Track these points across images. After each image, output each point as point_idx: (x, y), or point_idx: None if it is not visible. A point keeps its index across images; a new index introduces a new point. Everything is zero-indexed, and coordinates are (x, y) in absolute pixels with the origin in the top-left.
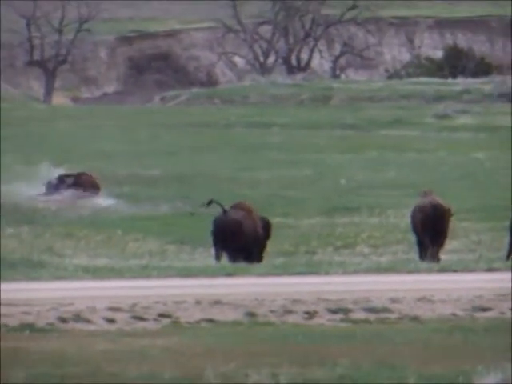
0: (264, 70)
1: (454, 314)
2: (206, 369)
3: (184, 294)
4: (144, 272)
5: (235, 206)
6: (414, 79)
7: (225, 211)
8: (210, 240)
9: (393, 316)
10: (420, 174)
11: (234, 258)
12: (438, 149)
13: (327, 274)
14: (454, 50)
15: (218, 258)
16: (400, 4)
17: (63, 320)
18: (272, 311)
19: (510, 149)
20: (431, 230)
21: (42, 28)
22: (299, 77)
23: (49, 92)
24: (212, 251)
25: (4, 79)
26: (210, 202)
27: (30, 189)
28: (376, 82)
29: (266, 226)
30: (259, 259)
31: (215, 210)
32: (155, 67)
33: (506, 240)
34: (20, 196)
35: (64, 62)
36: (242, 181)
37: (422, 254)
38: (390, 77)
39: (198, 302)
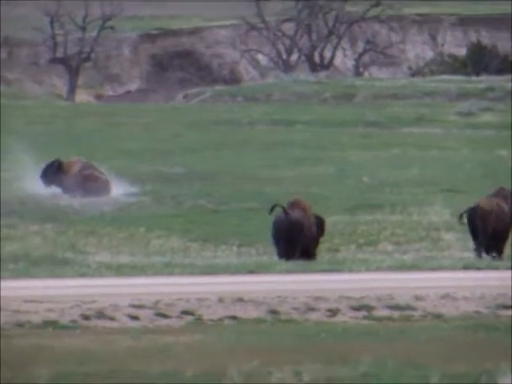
0: (287, 67)
1: (477, 312)
2: (228, 366)
3: (207, 292)
4: (167, 269)
5: (292, 204)
6: (437, 77)
7: (286, 213)
8: (270, 240)
9: (416, 313)
10: (443, 171)
11: (292, 256)
12: (461, 146)
13: (350, 271)
14: (478, 47)
15: (281, 257)
16: (423, 1)
17: (86, 317)
18: (295, 308)
19: None
20: (472, 229)
21: (66, 25)
22: (322, 74)
23: (72, 89)
24: (274, 250)
25: (28, 77)
26: (273, 208)
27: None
28: (399, 80)
29: (320, 224)
30: (314, 256)
31: (242, 207)
32: (178, 65)
33: None
34: (43, 193)
35: (87, 59)
36: (264, 178)
37: (476, 251)
38: (413, 74)
39: (220, 300)
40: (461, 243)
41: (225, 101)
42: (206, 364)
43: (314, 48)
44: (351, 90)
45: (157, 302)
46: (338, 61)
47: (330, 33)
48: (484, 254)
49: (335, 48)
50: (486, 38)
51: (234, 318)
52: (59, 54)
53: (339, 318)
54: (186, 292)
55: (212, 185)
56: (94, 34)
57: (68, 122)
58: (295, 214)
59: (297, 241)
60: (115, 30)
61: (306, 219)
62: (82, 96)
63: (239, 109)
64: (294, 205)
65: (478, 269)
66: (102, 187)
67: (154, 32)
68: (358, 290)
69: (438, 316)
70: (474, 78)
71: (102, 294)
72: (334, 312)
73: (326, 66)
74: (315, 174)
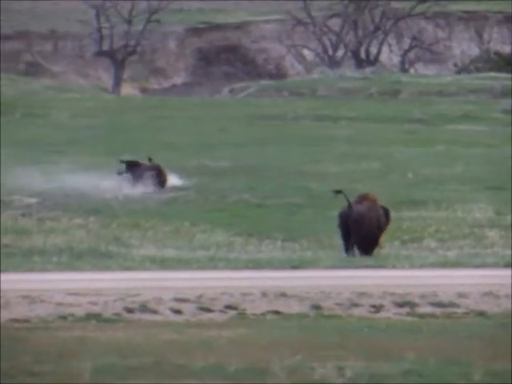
0: (333, 63)
1: None
2: (271, 361)
3: (250, 286)
4: (211, 263)
5: (361, 198)
6: (483, 74)
7: (350, 205)
8: (338, 233)
9: (459, 310)
10: (487, 168)
11: (357, 249)
12: (505, 144)
13: (394, 267)
14: None
15: (346, 251)
16: None
17: (130, 310)
18: (338, 304)
19: None
20: None
21: (112, 18)
22: (368, 70)
23: (117, 83)
24: (341, 244)
25: (73, 70)
26: (338, 192)
27: (97, 179)
28: (445, 77)
29: (386, 214)
30: (380, 246)
31: (286, 202)
32: (224, 59)
33: None
34: (87, 186)
35: (133, 52)
36: (309, 174)
37: None
38: (459, 71)
39: (264, 294)
40: (504, 241)
41: (270, 95)
42: (248, 358)
43: (359, 44)
44: (397, 86)
45: (200, 296)
46: (383, 57)
47: (376, 29)
48: None
49: (381, 44)
50: None
51: (277, 312)
52: (105, 46)
53: (383, 314)
54: (229, 286)
55: (256, 179)
56: (140, 27)
57: (113, 115)
58: (359, 208)
59: (358, 233)
60: (161, 24)
61: (373, 211)
62: (127, 89)
63: (284, 104)
64: (363, 198)
65: None
66: (162, 180)
67: (200, 26)
68: (401, 286)
69: (481, 313)
70: None
71: (146, 288)
72: (377, 308)
73: (372, 61)
74: (360, 169)
